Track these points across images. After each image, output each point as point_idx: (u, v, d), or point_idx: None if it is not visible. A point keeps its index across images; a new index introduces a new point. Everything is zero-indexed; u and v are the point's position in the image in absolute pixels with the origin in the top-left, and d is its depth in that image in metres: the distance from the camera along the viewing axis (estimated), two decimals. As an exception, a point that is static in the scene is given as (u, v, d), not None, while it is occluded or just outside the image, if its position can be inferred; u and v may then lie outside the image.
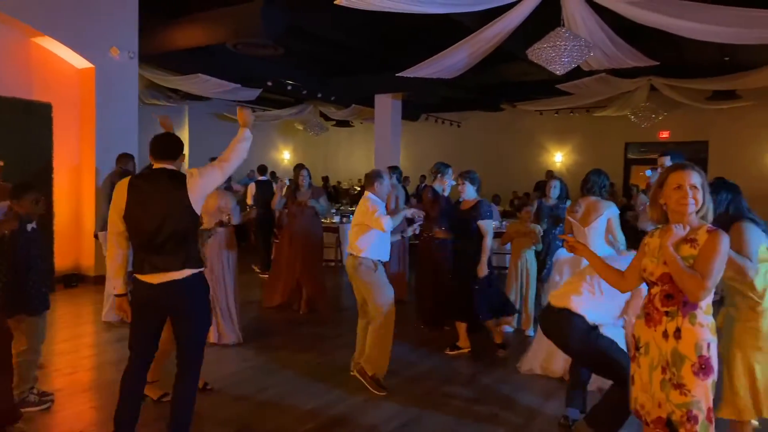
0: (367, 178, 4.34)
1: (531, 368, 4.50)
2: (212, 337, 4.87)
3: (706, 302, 2.28)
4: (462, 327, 4.92)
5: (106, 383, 4.07)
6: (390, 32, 8.72)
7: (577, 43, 5.96)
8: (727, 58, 9.51)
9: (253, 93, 11.81)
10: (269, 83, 10.76)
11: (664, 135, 13.79)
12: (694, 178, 2.29)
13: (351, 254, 4.20)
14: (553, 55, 6.13)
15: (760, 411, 2.90)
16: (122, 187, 2.89)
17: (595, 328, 3.21)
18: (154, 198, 2.83)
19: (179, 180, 2.86)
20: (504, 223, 8.34)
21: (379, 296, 4.09)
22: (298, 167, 6.33)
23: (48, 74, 7.05)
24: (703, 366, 2.24)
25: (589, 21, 6.41)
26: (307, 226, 6.22)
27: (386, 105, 11.77)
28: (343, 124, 16.97)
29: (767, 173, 12.47)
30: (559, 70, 6.29)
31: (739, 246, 2.79)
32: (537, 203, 6.09)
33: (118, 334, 5.28)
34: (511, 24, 6.68)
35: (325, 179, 15.60)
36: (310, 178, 6.32)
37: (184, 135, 15.61)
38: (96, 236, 5.93)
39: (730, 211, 2.93)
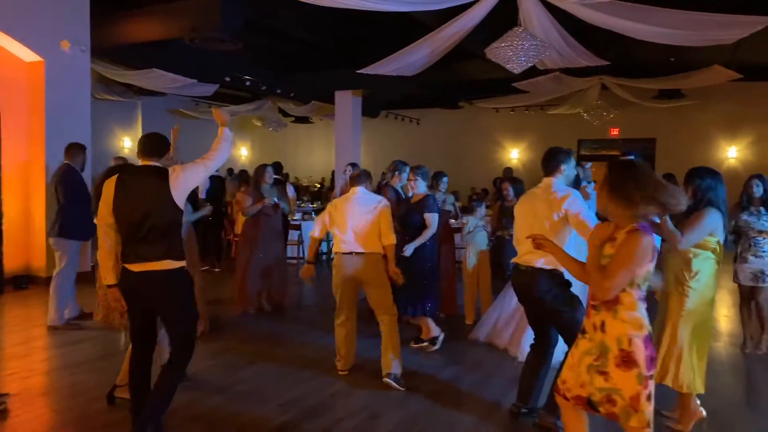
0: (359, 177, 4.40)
1: (477, 337, 5.05)
2: None
3: (629, 299, 2.33)
4: (423, 320, 5.02)
5: (63, 387, 3.99)
6: (351, 29, 8.73)
7: (533, 43, 6.14)
8: (672, 59, 9.95)
9: (210, 88, 11.60)
10: (227, 78, 10.59)
11: (615, 132, 14.31)
12: None
13: (368, 252, 4.17)
14: (510, 54, 6.29)
15: (662, 377, 3.26)
16: (111, 182, 3.07)
17: (567, 283, 3.32)
18: (138, 192, 3.01)
19: (162, 176, 3.03)
20: (462, 218, 8.47)
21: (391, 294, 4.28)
22: (262, 166, 6.20)
23: (-6, 67, 6.75)
24: (624, 359, 2.32)
25: (544, 21, 6.60)
26: (273, 225, 6.15)
27: (346, 102, 11.78)
28: (302, 120, 16.85)
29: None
30: (516, 69, 6.46)
31: (691, 224, 3.19)
32: (499, 205, 6.18)
33: (71, 337, 5.14)
34: (470, 23, 6.80)
35: (285, 176, 15.45)
36: (275, 176, 6.28)
37: (137, 131, 15.18)
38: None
39: (708, 197, 3.22)
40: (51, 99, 7.02)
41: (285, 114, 15.72)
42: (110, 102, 12.68)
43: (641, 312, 2.35)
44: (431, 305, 4.99)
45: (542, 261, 3.29)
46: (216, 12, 6.97)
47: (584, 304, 3.33)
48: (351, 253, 4.18)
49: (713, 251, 3.28)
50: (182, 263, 3.08)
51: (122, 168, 3.56)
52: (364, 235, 4.17)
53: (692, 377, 3.31)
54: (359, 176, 4.38)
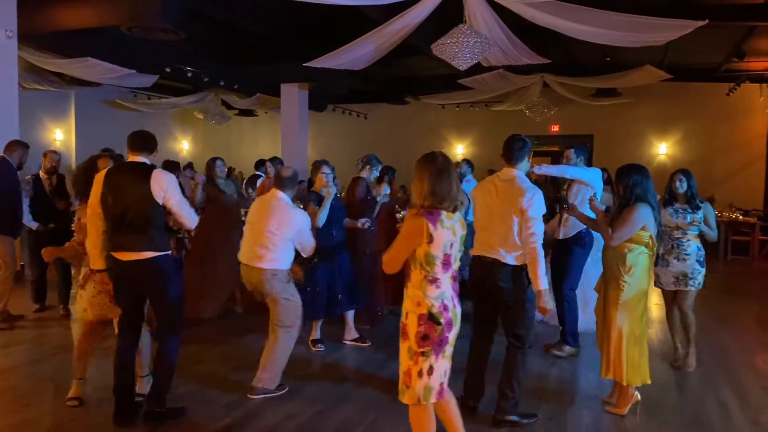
0: (288, 179, 3.98)
1: None
2: None
3: (417, 278, 2.56)
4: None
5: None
6: (298, 21, 8.61)
7: (478, 40, 6.24)
8: (608, 58, 10.37)
9: (149, 80, 11.15)
10: (168, 70, 10.20)
11: (555, 129, 14.78)
12: None
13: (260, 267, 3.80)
14: (456, 50, 6.37)
15: (606, 371, 3.46)
16: (99, 177, 3.37)
17: (528, 280, 3.32)
18: (122, 187, 3.27)
19: (146, 173, 3.28)
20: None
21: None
22: (212, 160, 5.96)
23: None
24: (402, 331, 2.63)
25: (489, 19, 6.72)
26: (227, 221, 5.82)
27: (292, 95, 11.62)
28: (246, 113, 16.50)
29: (643, 164, 13.76)
30: (462, 66, 6.55)
31: (622, 220, 3.37)
32: None
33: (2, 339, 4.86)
34: (416, 19, 6.84)
35: (230, 170, 15.10)
36: (226, 169, 6.00)
37: (70, 123, 14.46)
38: None
39: (637, 193, 3.38)
40: (-26, 88, 6.55)
41: (228, 107, 15.34)
42: (40, 92, 11.99)
43: (425, 292, 2.53)
44: (359, 301, 5.04)
45: (507, 254, 3.28)
46: (156, 0, 6.70)
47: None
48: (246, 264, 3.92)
49: (646, 245, 3.46)
50: (165, 252, 3.34)
51: (98, 157, 3.82)
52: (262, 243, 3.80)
53: (634, 371, 3.49)
54: (285, 179, 3.97)
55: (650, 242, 3.45)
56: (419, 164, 2.64)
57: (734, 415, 3.72)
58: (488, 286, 3.40)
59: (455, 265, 2.64)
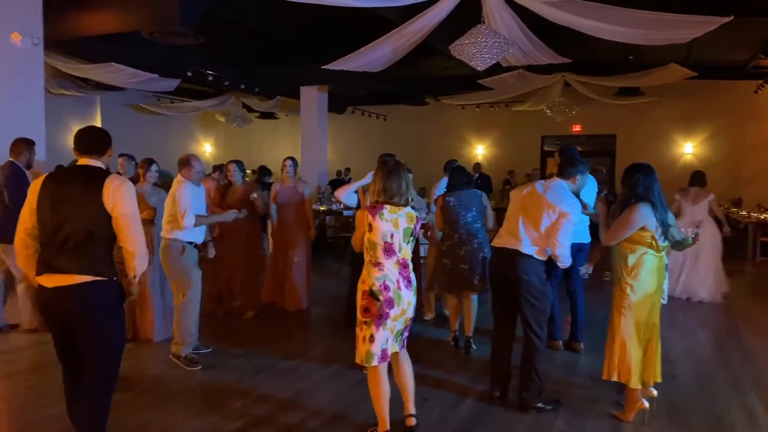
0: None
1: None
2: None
3: (367, 259, 3.07)
4: None
5: None
6: (316, 24, 8.65)
7: (497, 40, 6.19)
8: (631, 57, 10.20)
9: (171, 83, 11.33)
10: (189, 74, 10.34)
11: (577, 128, 14.59)
12: None
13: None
14: (474, 51, 6.33)
15: (610, 373, 3.40)
16: (37, 183, 2.73)
17: (547, 273, 3.54)
18: (62, 195, 2.64)
19: (98, 180, 2.67)
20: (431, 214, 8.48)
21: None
22: (228, 163, 5.94)
23: (-62, 60, 6.43)
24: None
25: (507, 19, 6.67)
26: (243, 227, 5.64)
27: (312, 97, 11.67)
28: (267, 116, 16.63)
29: (666, 164, 13.48)
30: (480, 66, 6.51)
31: (618, 220, 3.38)
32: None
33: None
34: (433, 20, 6.82)
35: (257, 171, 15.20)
36: (243, 172, 5.88)
37: (96, 127, 14.76)
38: None
39: (637, 192, 3.33)
40: (2, 93, 6.72)
41: (249, 109, 15.49)
42: (67, 97, 12.28)
43: (369, 272, 3.04)
44: None
45: (528, 245, 3.46)
46: (175, 5, 6.79)
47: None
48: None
49: (650, 246, 3.37)
50: (110, 278, 2.68)
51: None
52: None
53: (640, 374, 3.43)
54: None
55: (653, 243, 3.36)
56: (377, 167, 3.15)
57: (761, 421, 3.62)
58: (507, 276, 3.56)
59: (400, 253, 3.07)
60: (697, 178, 6.94)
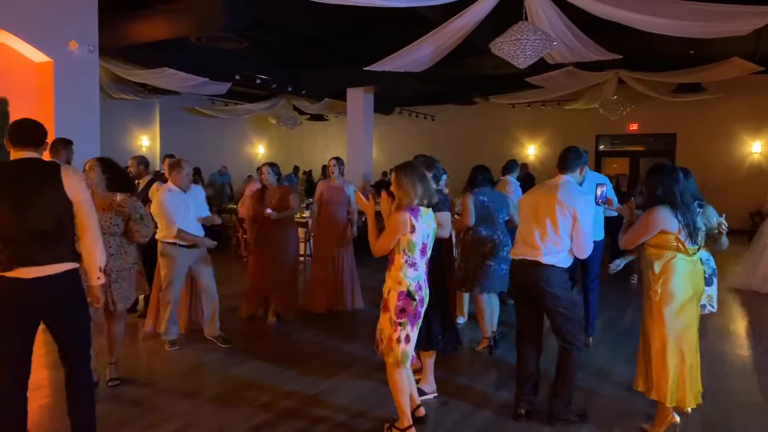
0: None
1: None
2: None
3: (399, 261, 3.07)
4: None
5: None
6: (358, 26, 8.68)
7: (538, 37, 5.99)
8: (692, 51, 9.66)
9: (223, 87, 11.66)
10: (237, 77, 10.62)
11: (634, 127, 14.00)
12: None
13: None
14: (515, 48, 6.16)
15: (640, 386, 3.20)
16: None
17: (571, 277, 3.41)
18: (25, 190, 2.64)
19: (53, 170, 2.71)
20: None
21: None
22: (263, 166, 5.87)
23: (4, 68, 6.87)
24: (384, 305, 3.15)
25: (551, 15, 6.45)
26: (278, 230, 5.59)
27: (358, 99, 11.72)
28: (317, 117, 16.88)
29: (732, 164, 12.72)
30: (521, 64, 6.33)
31: (640, 224, 3.23)
32: None
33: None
34: (474, 18, 6.69)
35: (296, 169, 15.48)
36: (279, 175, 5.78)
37: (155, 130, 15.41)
38: None
39: (658, 194, 3.15)
40: (60, 99, 7.11)
41: (300, 112, 15.76)
42: (127, 101, 12.88)
43: (404, 273, 3.07)
44: None
45: (549, 256, 3.31)
46: (220, 10, 6.99)
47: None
48: None
49: (676, 249, 3.14)
50: (77, 265, 2.78)
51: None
52: None
53: (673, 390, 3.20)
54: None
55: (680, 245, 3.13)
56: (400, 172, 3.13)
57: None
58: (529, 288, 3.42)
59: (429, 253, 3.18)
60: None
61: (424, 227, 3.09)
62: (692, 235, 3.11)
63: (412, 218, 3.04)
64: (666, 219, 3.11)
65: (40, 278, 2.62)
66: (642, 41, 8.81)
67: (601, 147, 14.91)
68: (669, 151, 13.61)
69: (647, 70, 10.52)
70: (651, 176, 3.28)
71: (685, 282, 3.16)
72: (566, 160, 3.45)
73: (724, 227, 3.38)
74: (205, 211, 4.95)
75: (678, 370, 3.18)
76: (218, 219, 5.20)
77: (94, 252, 2.80)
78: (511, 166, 6.48)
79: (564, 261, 3.34)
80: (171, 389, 4.01)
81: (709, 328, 5.51)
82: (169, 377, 4.23)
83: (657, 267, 3.18)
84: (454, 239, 5.17)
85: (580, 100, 12.64)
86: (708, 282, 3.56)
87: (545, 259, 3.31)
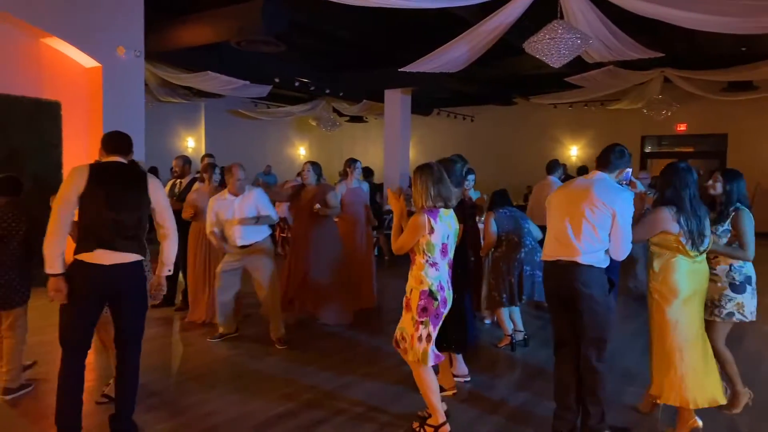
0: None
1: None
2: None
3: (419, 261, 3.10)
4: None
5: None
6: (393, 27, 8.74)
7: (572, 36, 5.91)
8: (744, 48, 9.27)
9: (264, 89, 11.95)
10: (276, 80, 10.86)
11: (682, 128, 13.53)
12: None
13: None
14: (549, 47, 6.09)
15: (656, 391, 3.20)
16: (81, 171, 3.13)
17: (611, 282, 3.22)
18: (118, 190, 3.08)
19: (142, 176, 3.18)
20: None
21: None
22: (305, 163, 5.84)
23: (57, 73, 7.26)
24: (406, 304, 3.19)
25: (587, 13, 6.34)
26: (316, 229, 5.52)
27: (395, 100, 11.78)
28: (356, 119, 17.03)
29: (789, 166, 12.12)
30: (556, 63, 6.25)
31: (643, 221, 3.20)
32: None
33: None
34: (509, 18, 6.64)
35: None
36: (318, 174, 5.67)
37: (200, 132, 15.91)
38: None
39: (666, 194, 3.08)
40: (108, 102, 7.46)
41: (339, 114, 15.94)
42: (175, 104, 13.35)
43: (426, 272, 3.10)
44: None
45: (588, 255, 3.05)
46: (258, 14, 7.18)
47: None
48: None
49: (676, 250, 3.06)
50: (144, 258, 3.18)
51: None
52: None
53: (688, 391, 3.10)
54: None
55: (680, 247, 3.03)
56: (416, 173, 3.16)
57: None
58: (562, 291, 3.15)
59: (450, 254, 3.19)
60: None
61: (444, 228, 3.11)
62: (694, 241, 3.02)
63: (431, 220, 3.06)
64: (667, 221, 3.03)
65: (115, 265, 3.00)
66: (689, 38, 8.52)
67: (648, 148, 14.46)
68: (720, 152, 13.08)
69: (694, 68, 10.15)
70: (663, 176, 3.19)
71: (685, 280, 3.07)
72: (607, 158, 3.16)
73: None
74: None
75: (676, 370, 3.09)
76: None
77: (173, 248, 3.29)
78: (554, 165, 6.38)
79: (603, 261, 3.09)
80: (195, 378, 4.15)
81: (751, 335, 5.29)
82: (197, 367, 4.39)
83: (657, 265, 3.15)
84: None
85: (624, 99, 12.31)
86: (739, 290, 3.39)
87: (583, 259, 3.03)
